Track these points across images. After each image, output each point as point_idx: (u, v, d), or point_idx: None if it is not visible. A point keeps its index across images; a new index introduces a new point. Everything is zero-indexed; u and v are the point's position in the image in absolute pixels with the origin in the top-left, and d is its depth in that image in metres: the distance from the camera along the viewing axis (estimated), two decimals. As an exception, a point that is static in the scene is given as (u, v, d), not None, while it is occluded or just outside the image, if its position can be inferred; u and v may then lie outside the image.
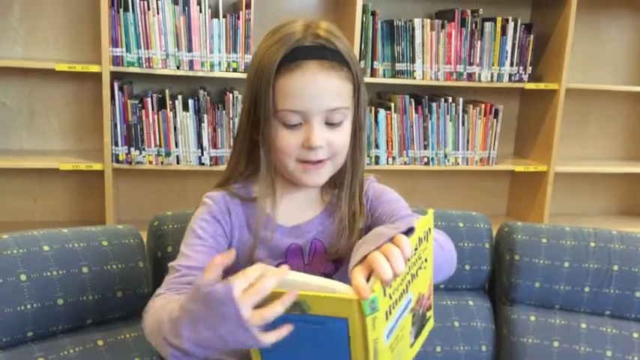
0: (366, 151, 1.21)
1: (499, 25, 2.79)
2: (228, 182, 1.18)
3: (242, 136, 1.15)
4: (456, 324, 1.58)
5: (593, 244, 1.60)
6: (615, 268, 1.58)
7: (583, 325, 1.59)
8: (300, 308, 0.82)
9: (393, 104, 2.74)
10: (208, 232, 1.12)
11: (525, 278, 1.59)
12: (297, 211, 1.18)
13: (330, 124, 1.08)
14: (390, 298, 0.84)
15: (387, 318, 0.83)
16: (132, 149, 2.51)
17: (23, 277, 1.20)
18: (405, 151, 2.79)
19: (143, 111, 2.49)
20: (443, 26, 2.72)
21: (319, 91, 1.06)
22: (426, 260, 0.93)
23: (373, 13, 2.64)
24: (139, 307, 1.35)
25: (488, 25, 2.78)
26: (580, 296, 1.60)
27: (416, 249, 0.88)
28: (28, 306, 1.19)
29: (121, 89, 2.46)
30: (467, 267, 1.61)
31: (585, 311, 1.62)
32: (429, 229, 0.94)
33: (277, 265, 0.87)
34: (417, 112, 2.76)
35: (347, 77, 1.10)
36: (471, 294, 1.65)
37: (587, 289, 1.59)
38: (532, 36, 2.83)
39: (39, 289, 1.21)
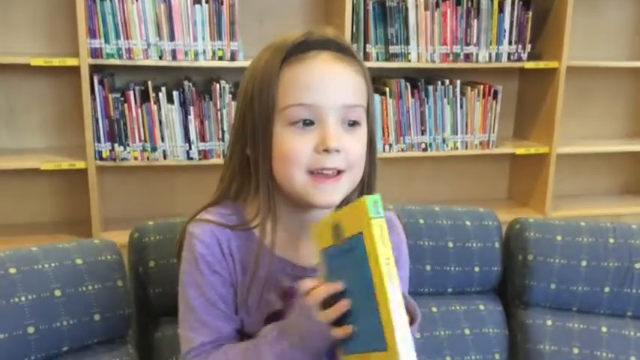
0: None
1: (496, 1, 2.68)
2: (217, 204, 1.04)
3: (233, 154, 1.01)
4: (467, 331, 1.47)
5: (612, 241, 1.49)
6: (637, 265, 1.48)
7: (604, 329, 1.48)
8: (338, 235, 0.86)
9: (387, 89, 2.63)
10: (213, 287, 1.00)
11: (540, 279, 1.49)
12: (301, 248, 1.02)
13: (346, 124, 0.95)
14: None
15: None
16: (115, 145, 2.40)
17: (-13, 305, 1.08)
18: (401, 138, 2.68)
19: (125, 105, 2.38)
20: (437, 5, 2.62)
21: (336, 83, 0.93)
22: None
23: (364, -6, 2.52)
24: (120, 331, 1.25)
25: (484, 2, 2.67)
26: (599, 297, 1.49)
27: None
28: (-5, 337, 1.08)
29: (101, 83, 2.35)
30: (476, 268, 1.50)
31: (605, 313, 1.51)
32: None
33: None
34: (413, 96, 2.66)
35: (361, 75, 0.97)
36: (482, 297, 1.54)
37: (607, 289, 1.49)
38: (530, 12, 2.73)
39: (6, 318, 1.09)
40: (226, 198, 1.04)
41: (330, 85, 0.93)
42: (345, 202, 1.01)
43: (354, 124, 0.95)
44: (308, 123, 0.93)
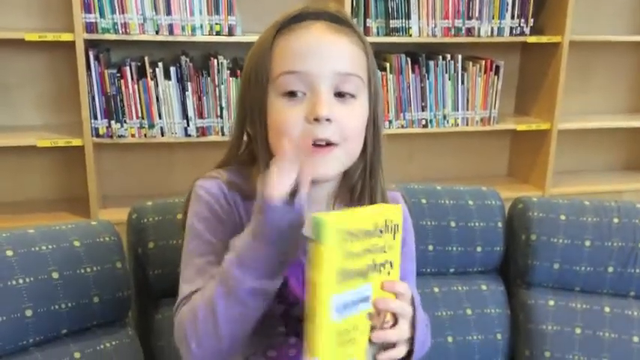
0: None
1: (499, -25, 2.62)
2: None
3: (236, 132, 1.00)
4: (469, 311, 1.46)
5: (616, 220, 1.47)
6: (641, 245, 1.46)
7: (607, 309, 1.47)
8: None
9: (388, 64, 2.59)
10: (217, 234, 0.94)
11: (543, 259, 1.47)
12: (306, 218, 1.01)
13: (340, 94, 0.91)
14: (350, 258, 0.78)
15: (340, 281, 0.77)
16: (112, 122, 2.37)
17: (-16, 288, 1.06)
18: (402, 114, 2.65)
19: (122, 81, 2.35)
20: (439, -22, 2.56)
21: (327, 51, 0.90)
22: (391, 265, 0.85)
23: (365, -33, 2.47)
24: (120, 313, 1.23)
25: (487, -25, 2.61)
26: (603, 277, 1.48)
27: (381, 231, 0.82)
28: (-8, 320, 1.06)
29: (96, 58, 2.31)
30: (478, 248, 1.49)
31: (608, 293, 1.50)
32: (397, 225, 0.85)
33: None
34: (413, 71, 2.62)
35: (360, 47, 0.94)
36: (484, 277, 1.52)
37: (610, 269, 1.47)
38: (533, -15, 2.68)
39: (3, 301, 1.08)
40: (233, 164, 1.01)
41: (323, 52, 0.90)
42: (348, 177, 1.00)
43: (348, 94, 0.92)
44: (299, 94, 0.90)
